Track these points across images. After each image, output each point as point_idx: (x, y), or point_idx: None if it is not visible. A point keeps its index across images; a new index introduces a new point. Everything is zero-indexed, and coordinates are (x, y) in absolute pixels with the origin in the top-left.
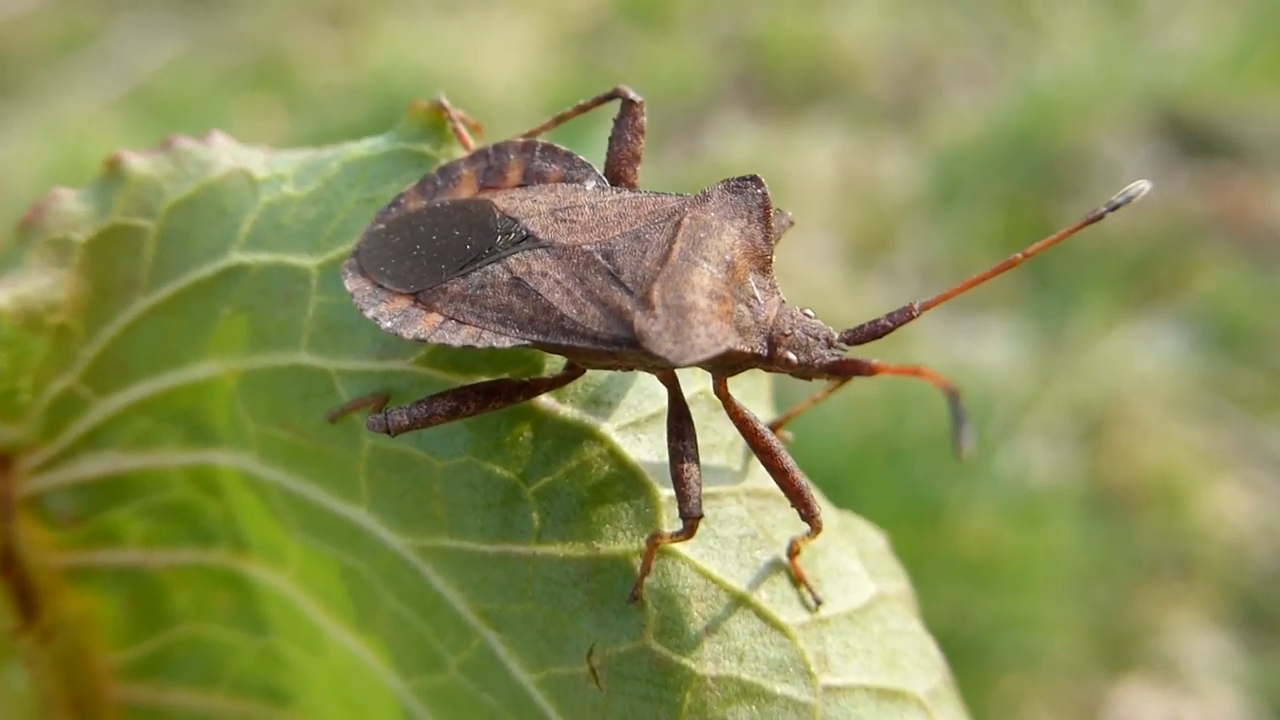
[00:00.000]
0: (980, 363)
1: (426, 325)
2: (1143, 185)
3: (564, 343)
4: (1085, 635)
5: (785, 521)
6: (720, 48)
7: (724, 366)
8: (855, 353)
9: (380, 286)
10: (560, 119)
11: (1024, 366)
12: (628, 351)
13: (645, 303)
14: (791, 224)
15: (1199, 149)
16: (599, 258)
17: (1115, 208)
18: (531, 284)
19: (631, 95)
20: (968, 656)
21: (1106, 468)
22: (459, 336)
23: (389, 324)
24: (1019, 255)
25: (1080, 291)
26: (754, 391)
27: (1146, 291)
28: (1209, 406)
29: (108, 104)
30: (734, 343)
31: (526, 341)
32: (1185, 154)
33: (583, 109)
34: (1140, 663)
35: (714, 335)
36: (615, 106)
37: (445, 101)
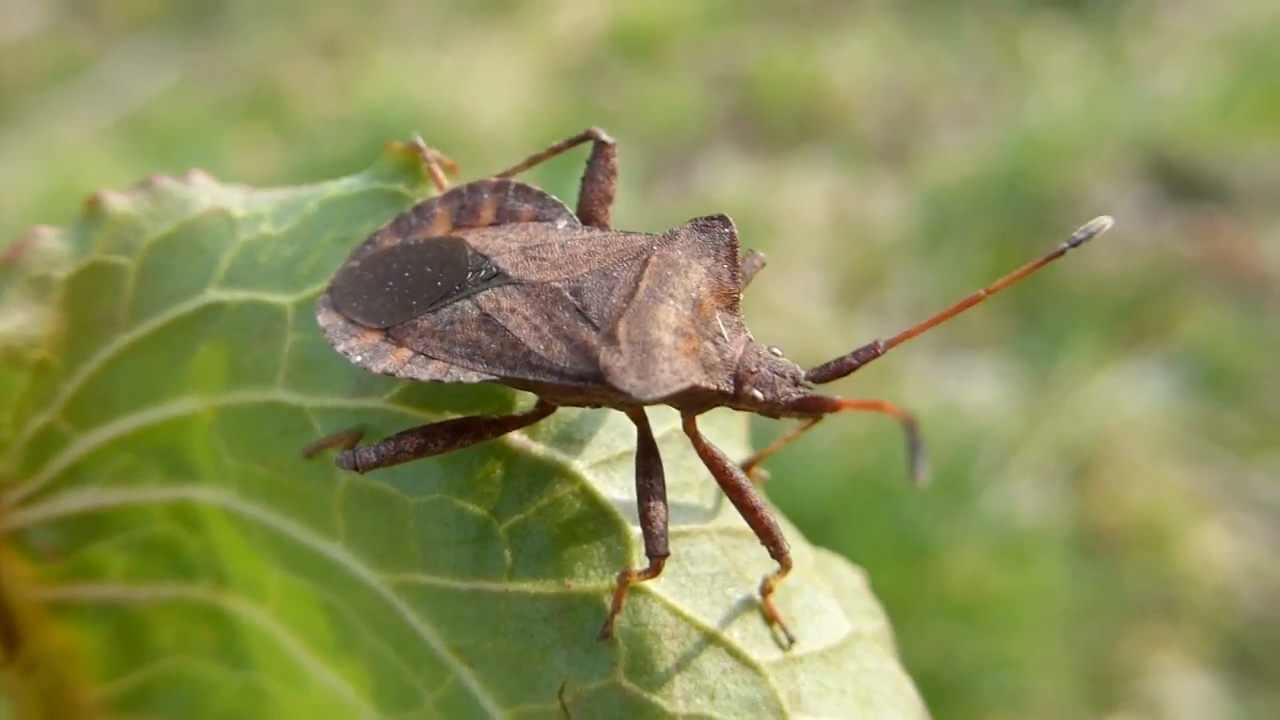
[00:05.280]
0: (968, 403)
1: (395, 360)
2: (1104, 221)
3: (531, 378)
4: (1071, 676)
5: (758, 560)
6: (712, 85)
7: (690, 404)
8: (821, 390)
9: (352, 322)
10: (534, 160)
11: (1012, 407)
12: (594, 387)
13: (611, 339)
14: (763, 265)
15: (1187, 192)
16: (567, 294)
17: (1077, 243)
18: (500, 320)
19: (604, 137)
20: (954, 696)
21: (1093, 509)
22: (427, 371)
23: (359, 358)
24: (982, 291)
25: (1068, 333)
26: (729, 430)
27: (1134, 333)
28: (1196, 449)
29: (101, 132)
30: (698, 379)
31: (494, 376)
32: (1173, 197)
33: (555, 150)
34: (1126, 704)
35: (678, 372)
36: (590, 148)
37: (420, 142)
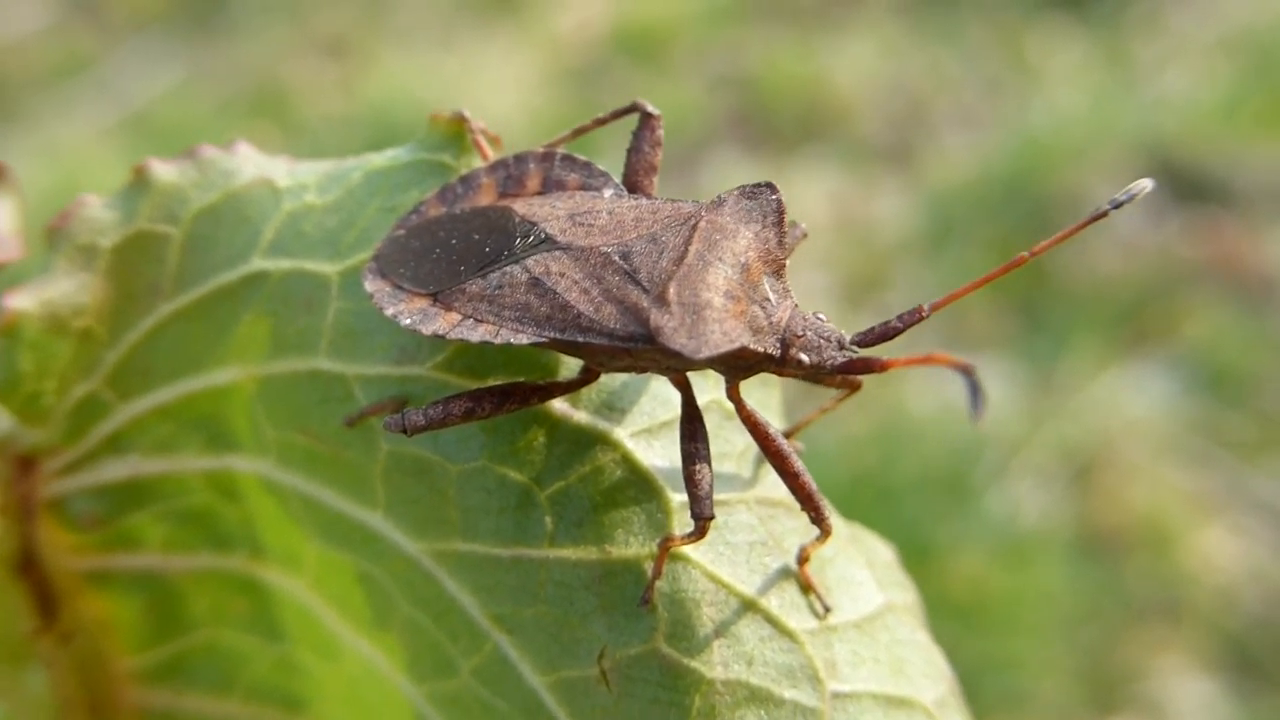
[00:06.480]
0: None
1: (445, 322)
2: (1145, 183)
3: (580, 340)
4: (1073, 678)
5: (795, 530)
6: (716, 86)
7: (737, 367)
8: (866, 353)
9: (400, 288)
10: (579, 131)
11: (1014, 408)
12: (643, 348)
13: (661, 300)
14: (805, 236)
15: (1191, 194)
16: (616, 259)
17: (1119, 205)
18: (549, 284)
19: (649, 109)
20: None
21: (1096, 510)
22: (477, 333)
23: (408, 321)
24: (1025, 254)
25: (1071, 334)
26: (765, 402)
27: (1137, 335)
28: (1198, 450)
29: (105, 130)
30: (747, 341)
31: (543, 339)
32: (1177, 199)
33: (601, 122)
34: (1128, 706)
35: (728, 333)
36: (630, 123)
37: (466, 113)
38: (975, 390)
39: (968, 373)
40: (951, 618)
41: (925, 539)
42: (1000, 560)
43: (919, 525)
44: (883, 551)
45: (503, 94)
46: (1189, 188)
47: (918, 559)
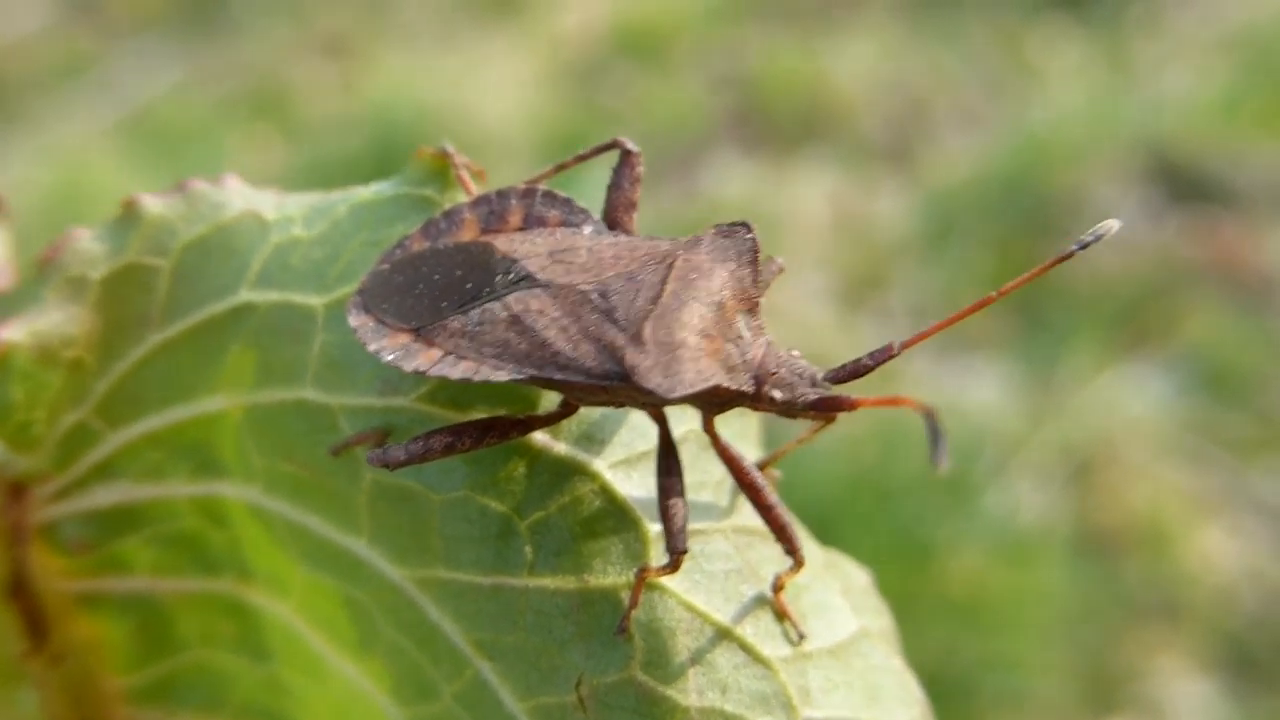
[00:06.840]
0: (970, 403)
1: (426, 359)
2: (1112, 224)
3: (558, 377)
4: (1072, 677)
5: (770, 558)
6: (716, 85)
7: (712, 404)
8: (838, 390)
9: (383, 323)
10: (560, 167)
11: (1013, 407)
12: (619, 386)
13: (637, 339)
14: (782, 270)
15: (1190, 194)
16: (594, 297)
17: (1085, 246)
18: (529, 321)
19: (629, 146)
20: (954, 697)
21: (1094, 510)
22: (457, 370)
23: (390, 357)
24: (993, 294)
25: (1070, 334)
26: (743, 432)
27: (1136, 335)
28: (1197, 450)
29: (106, 130)
30: (721, 379)
31: (522, 376)
32: (1176, 199)
33: (582, 158)
34: (1127, 705)
35: (702, 372)
36: (614, 155)
37: (450, 148)
38: (937, 435)
39: (930, 417)
40: (951, 617)
41: (925, 539)
42: (1000, 560)
43: (918, 524)
44: (858, 577)
45: (503, 94)
46: (1188, 187)
47: (918, 559)
